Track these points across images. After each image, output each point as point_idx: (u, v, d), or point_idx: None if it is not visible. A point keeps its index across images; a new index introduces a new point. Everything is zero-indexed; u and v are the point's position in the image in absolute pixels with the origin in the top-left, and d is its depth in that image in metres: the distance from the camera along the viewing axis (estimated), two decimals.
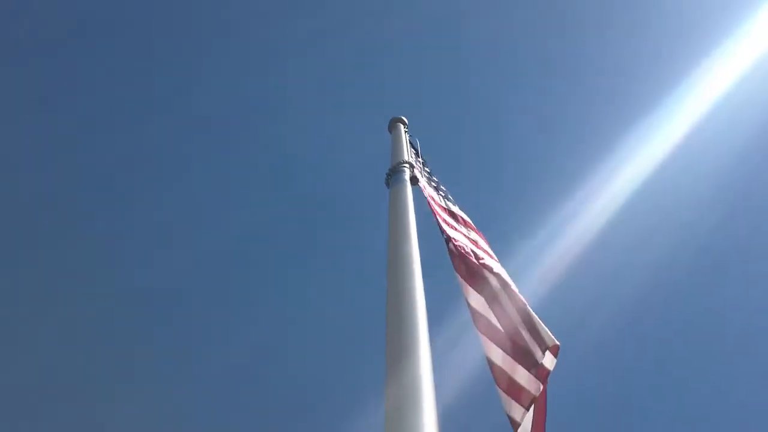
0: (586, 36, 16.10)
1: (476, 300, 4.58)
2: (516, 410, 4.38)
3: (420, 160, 5.48)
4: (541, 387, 4.46)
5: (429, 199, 4.62)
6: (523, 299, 4.64)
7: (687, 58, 14.50)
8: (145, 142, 14.94)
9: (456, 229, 4.85)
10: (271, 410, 12.40)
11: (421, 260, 3.17)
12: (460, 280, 4.62)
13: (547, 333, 4.55)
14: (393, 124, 5.56)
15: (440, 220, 4.62)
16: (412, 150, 5.44)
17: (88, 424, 11.17)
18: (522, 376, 4.47)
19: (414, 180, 4.40)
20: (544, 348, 4.53)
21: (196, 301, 13.97)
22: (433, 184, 5.23)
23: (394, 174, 4.37)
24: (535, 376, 4.45)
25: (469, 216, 5.24)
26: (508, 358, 4.55)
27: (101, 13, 15.51)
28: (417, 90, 16.28)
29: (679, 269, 13.08)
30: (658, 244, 13.23)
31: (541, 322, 4.58)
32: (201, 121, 15.38)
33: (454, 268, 4.65)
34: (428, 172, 5.44)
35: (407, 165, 4.49)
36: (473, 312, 4.57)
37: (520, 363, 4.51)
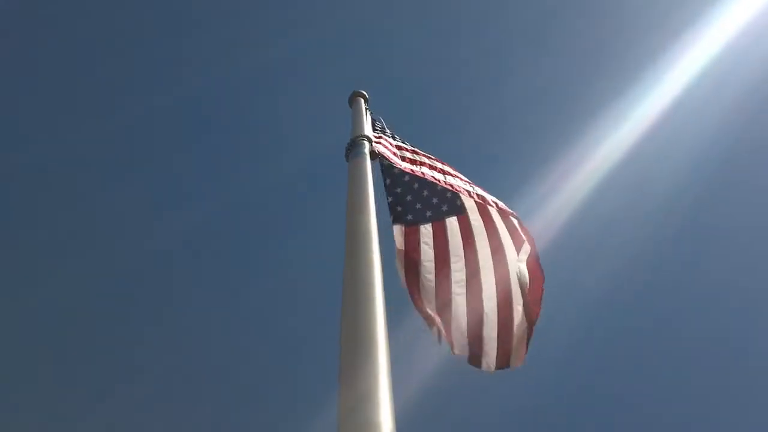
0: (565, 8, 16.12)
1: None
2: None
3: (388, 132, 5.38)
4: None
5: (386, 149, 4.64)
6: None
7: (668, 32, 14.65)
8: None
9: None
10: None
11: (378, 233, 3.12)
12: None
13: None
14: (353, 98, 5.46)
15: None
16: (376, 124, 5.36)
17: None
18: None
19: (373, 154, 4.36)
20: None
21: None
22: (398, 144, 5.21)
23: (353, 147, 4.31)
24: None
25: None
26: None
27: None
28: (393, 60, 16.07)
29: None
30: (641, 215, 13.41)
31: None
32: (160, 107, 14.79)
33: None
34: (395, 141, 5.36)
35: (366, 139, 4.44)
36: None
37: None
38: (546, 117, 15.46)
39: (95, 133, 13.78)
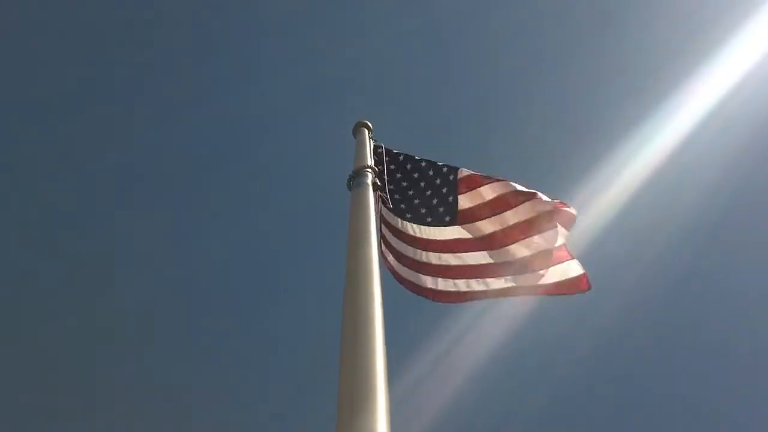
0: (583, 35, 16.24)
1: None
2: None
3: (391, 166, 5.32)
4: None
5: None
6: None
7: (688, 60, 14.66)
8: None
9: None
10: None
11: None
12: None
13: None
14: (357, 129, 5.40)
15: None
16: (376, 156, 5.29)
17: None
18: None
19: (376, 185, 4.26)
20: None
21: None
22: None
23: (356, 177, 4.22)
24: None
25: None
26: None
27: None
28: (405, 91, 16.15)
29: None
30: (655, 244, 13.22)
31: None
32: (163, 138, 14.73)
33: None
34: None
35: (370, 169, 4.35)
36: None
37: None
38: (564, 146, 15.41)
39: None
